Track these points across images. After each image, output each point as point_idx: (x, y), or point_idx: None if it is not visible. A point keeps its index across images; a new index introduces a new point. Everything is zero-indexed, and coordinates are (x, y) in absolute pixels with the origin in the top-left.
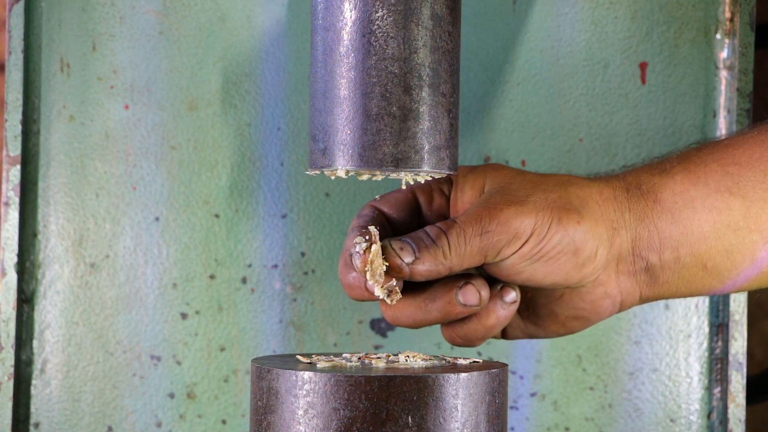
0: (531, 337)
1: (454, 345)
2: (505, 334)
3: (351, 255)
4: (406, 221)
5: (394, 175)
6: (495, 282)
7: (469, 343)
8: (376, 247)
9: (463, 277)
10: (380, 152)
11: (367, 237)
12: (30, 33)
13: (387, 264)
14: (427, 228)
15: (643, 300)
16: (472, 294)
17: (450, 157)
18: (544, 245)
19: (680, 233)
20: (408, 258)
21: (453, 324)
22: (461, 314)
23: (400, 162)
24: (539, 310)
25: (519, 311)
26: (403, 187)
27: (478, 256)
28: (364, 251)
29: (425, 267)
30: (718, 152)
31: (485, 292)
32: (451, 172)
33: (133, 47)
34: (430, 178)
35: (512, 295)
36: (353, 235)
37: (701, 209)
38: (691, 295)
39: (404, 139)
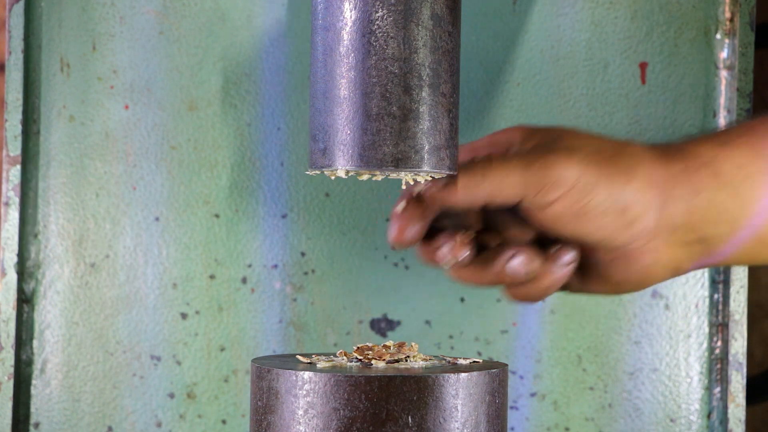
0: (589, 292)
1: (517, 302)
2: (566, 288)
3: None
4: None
5: (394, 175)
6: (551, 243)
7: (530, 301)
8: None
9: (514, 246)
10: (380, 152)
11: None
12: (30, 33)
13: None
14: (476, 144)
15: (696, 268)
16: (521, 265)
17: (450, 157)
18: (589, 200)
19: (739, 207)
20: (443, 183)
21: (512, 286)
22: (514, 282)
23: (400, 162)
24: (592, 270)
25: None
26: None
27: (518, 188)
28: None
29: (463, 193)
30: None
31: (535, 264)
32: (451, 173)
33: (133, 47)
34: (430, 179)
35: (567, 257)
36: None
37: (762, 184)
38: (747, 264)
39: (404, 139)
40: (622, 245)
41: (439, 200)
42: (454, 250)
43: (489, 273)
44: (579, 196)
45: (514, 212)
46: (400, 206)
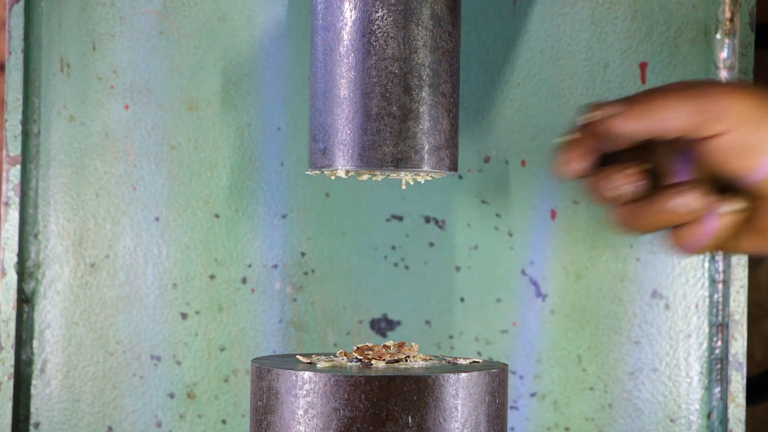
0: (748, 249)
1: (679, 249)
2: (726, 245)
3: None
4: None
5: (394, 175)
6: (720, 191)
7: (691, 250)
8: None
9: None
10: (380, 152)
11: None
12: (30, 33)
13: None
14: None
15: None
16: (687, 202)
17: (450, 157)
18: (756, 131)
19: None
20: (610, 111)
21: (674, 229)
22: (677, 221)
23: (400, 162)
24: (757, 222)
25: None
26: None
27: (685, 117)
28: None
29: (631, 120)
30: None
31: (701, 202)
32: (452, 172)
33: (133, 47)
34: (430, 178)
35: (735, 203)
36: None
37: None
38: None
39: (404, 139)
40: None
41: (609, 129)
42: (628, 178)
43: (653, 211)
44: (747, 126)
45: (683, 156)
46: (569, 136)
